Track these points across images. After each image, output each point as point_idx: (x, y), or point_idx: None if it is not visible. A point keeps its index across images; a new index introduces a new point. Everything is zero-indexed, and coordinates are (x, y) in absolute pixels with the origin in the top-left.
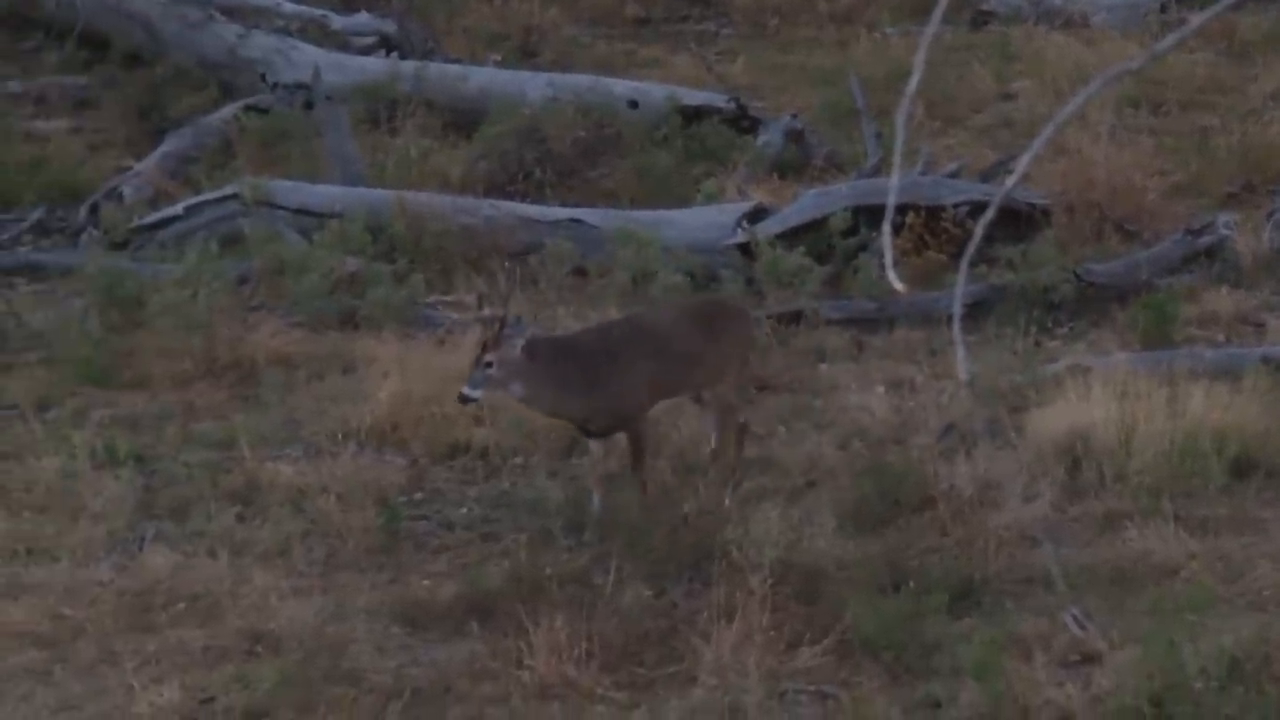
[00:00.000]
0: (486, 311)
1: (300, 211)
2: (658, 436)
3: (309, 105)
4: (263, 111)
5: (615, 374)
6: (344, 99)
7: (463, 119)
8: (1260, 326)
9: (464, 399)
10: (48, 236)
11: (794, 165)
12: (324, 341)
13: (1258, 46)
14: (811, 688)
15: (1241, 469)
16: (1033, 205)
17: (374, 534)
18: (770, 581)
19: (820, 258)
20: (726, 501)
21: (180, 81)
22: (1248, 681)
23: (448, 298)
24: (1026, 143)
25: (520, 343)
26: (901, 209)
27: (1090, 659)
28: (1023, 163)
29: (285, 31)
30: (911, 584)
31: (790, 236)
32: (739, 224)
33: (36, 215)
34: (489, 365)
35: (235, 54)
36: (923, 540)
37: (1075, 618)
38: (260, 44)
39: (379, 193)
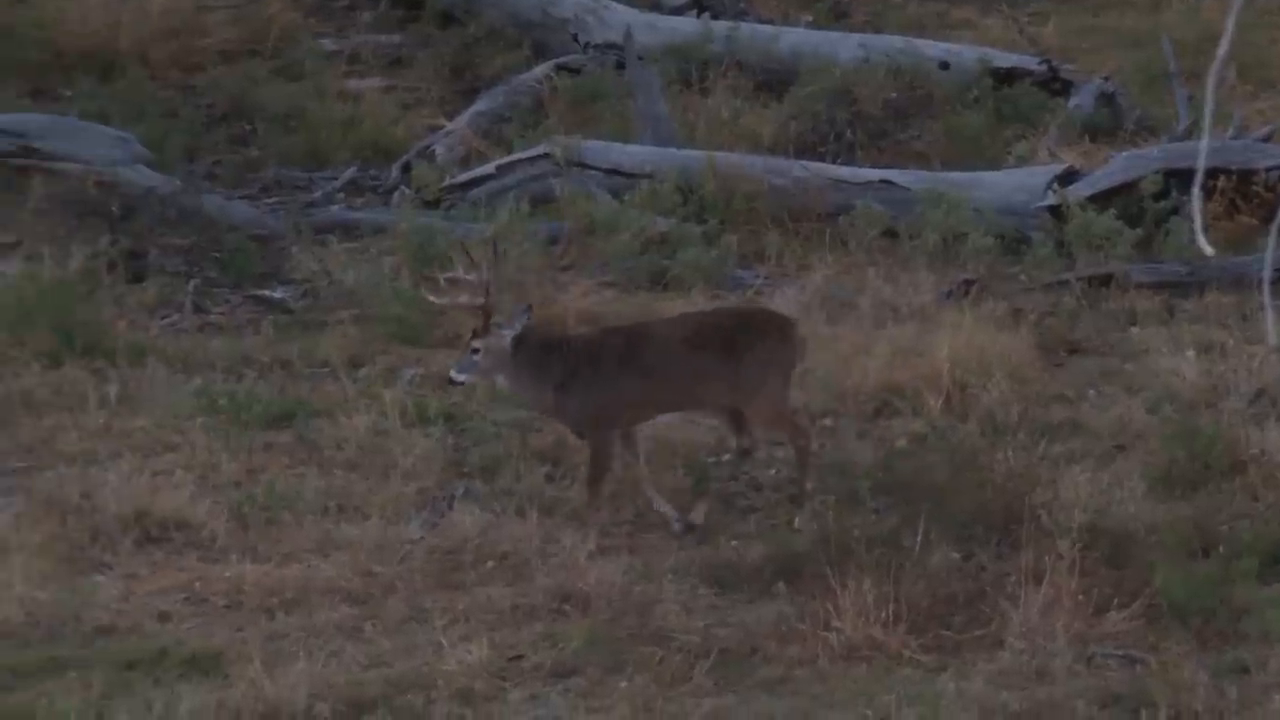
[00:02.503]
0: (464, 298)
1: (611, 171)
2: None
3: (620, 65)
4: (574, 71)
5: (593, 382)
6: (655, 59)
7: (774, 80)
8: None
9: (450, 382)
10: (360, 195)
11: (1105, 128)
12: (633, 302)
13: None
14: (1119, 652)
15: None
16: None
17: (682, 494)
18: (1079, 545)
19: (1131, 221)
20: (795, 522)
21: (493, 41)
22: None
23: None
24: None
25: (509, 334)
26: (1212, 173)
27: None
28: None
29: None
30: (1221, 549)
31: (1101, 199)
32: (1050, 186)
33: (349, 173)
34: (475, 352)
35: (548, 13)
36: (1232, 505)
37: None
38: (572, 4)
39: (690, 153)
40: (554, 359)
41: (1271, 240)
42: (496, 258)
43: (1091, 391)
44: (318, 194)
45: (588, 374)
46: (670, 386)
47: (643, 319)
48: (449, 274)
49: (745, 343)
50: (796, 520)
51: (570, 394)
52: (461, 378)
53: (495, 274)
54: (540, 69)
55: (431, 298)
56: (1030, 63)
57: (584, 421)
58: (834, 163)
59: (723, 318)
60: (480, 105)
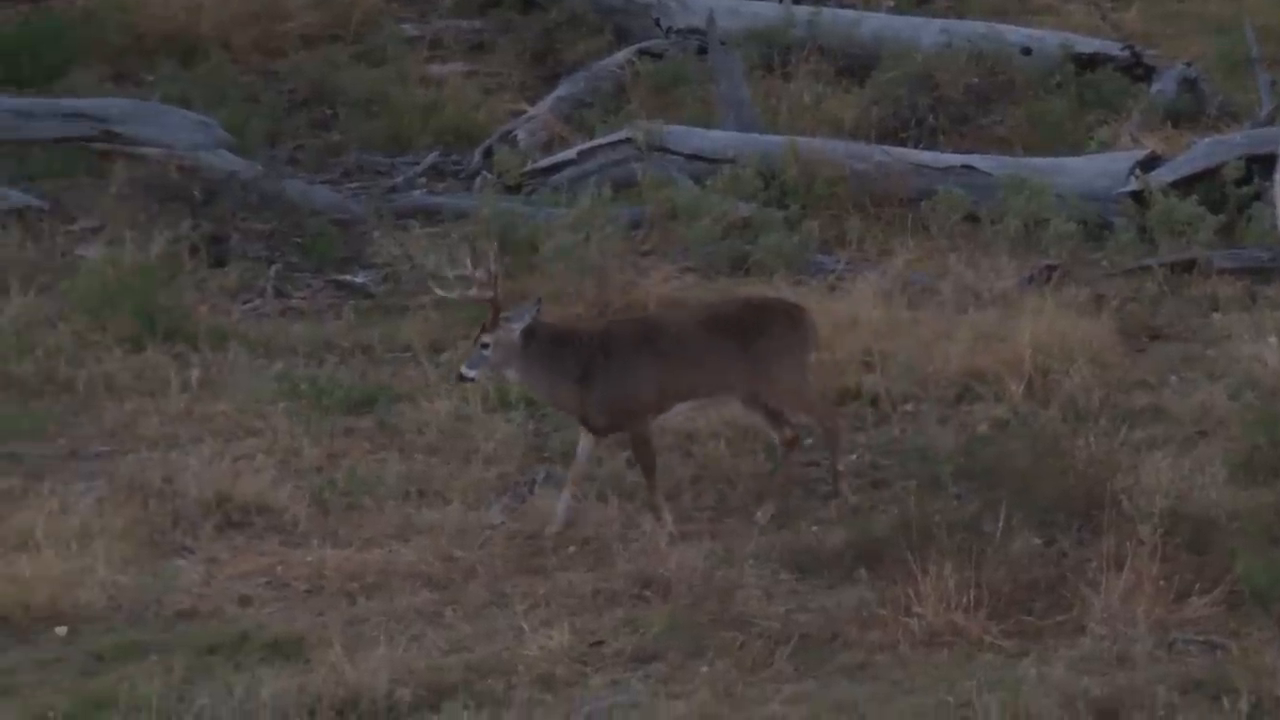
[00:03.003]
0: (473, 291)
1: (693, 157)
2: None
3: (703, 50)
4: (656, 56)
5: (612, 371)
6: (737, 44)
7: (856, 65)
8: None
9: (461, 378)
10: (442, 180)
11: (1187, 113)
12: (715, 287)
13: None
14: (1200, 638)
15: None
16: None
17: (763, 479)
18: (1160, 531)
19: (1213, 207)
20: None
21: (574, 26)
22: None
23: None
24: None
25: (518, 327)
26: None
27: None
28: None
29: None
30: None
31: (1183, 185)
32: (1132, 172)
33: (431, 158)
34: (485, 347)
35: None
36: None
37: None
38: None
39: (772, 138)
40: (566, 352)
41: None
42: (502, 253)
43: (1173, 377)
44: (399, 179)
45: (603, 366)
46: (683, 375)
47: (650, 310)
48: (458, 270)
49: (755, 330)
50: (833, 506)
51: (593, 388)
52: (472, 373)
53: (501, 269)
54: (622, 54)
55: (440, 291)
56: (1113, 48)
57: (614, 414)
58: (916, 148)
59: (731, 306)
60: (562, 90)
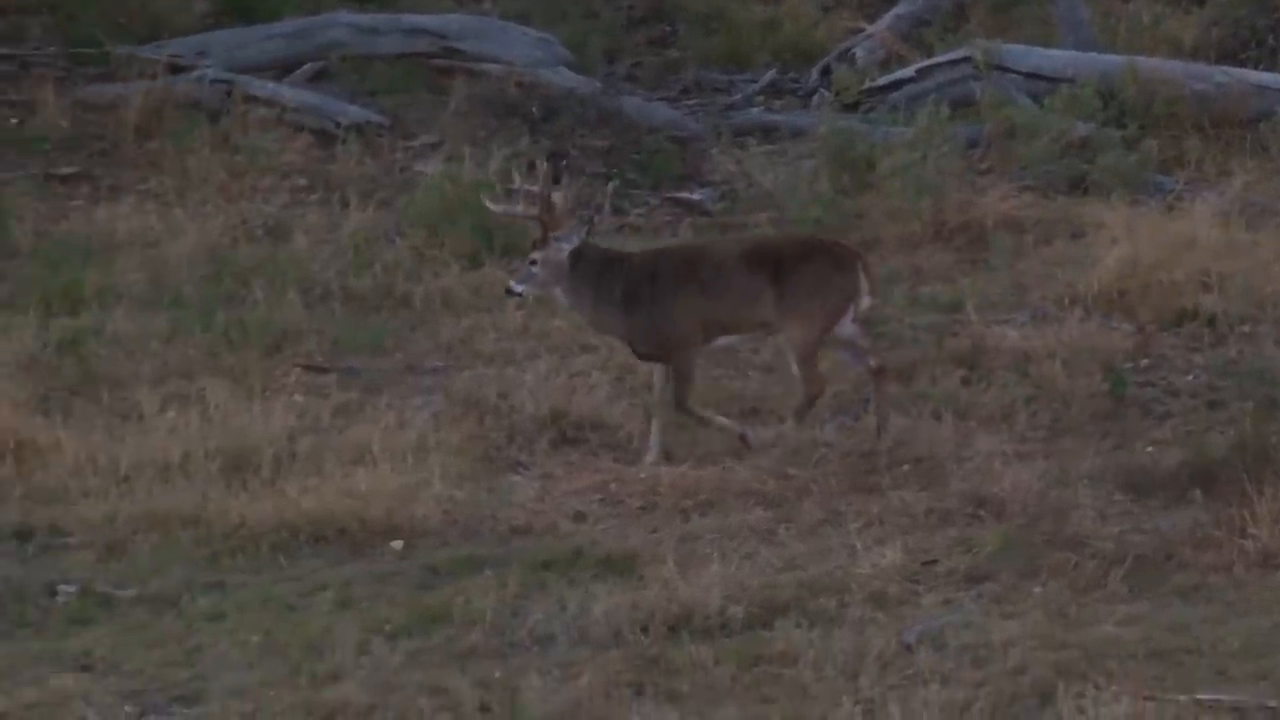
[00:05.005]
0: (520, 209)
1: (1032, 76)
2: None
3: None
4: None
5: (656, 298)
6: None
7: None
8: None
9: (508, 291)
10: (779, 97)
11: None
12: (1052, 206)
13: None
14: None
15: None
16: None
17: (1099, 400)
18: None
19: None
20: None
21: None
22: None
23: None
24: None
25: (567, 248)
26: None
27: None
28: None
29: None
30: None
31: None
32: None
33: (769, 76)
34: (533, 263)
35: None
36: None
37: None
38: None
39: (1110, 58)
40: (611, 276)
41: None
42: (559, 170)
43: None
44: (737, 96)
45: (649, 291)
46: (722, 307)
47: (696, 240)
48: (513, 186)
49: (790, 268)
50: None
51: (634, 314)
52: (520, 288)
53: (557, 187)
54: None
55: (491, 206)
56: None
57: (658, 341)
58: (1255, 69)
59: (779, 242)
60: (901, 8)
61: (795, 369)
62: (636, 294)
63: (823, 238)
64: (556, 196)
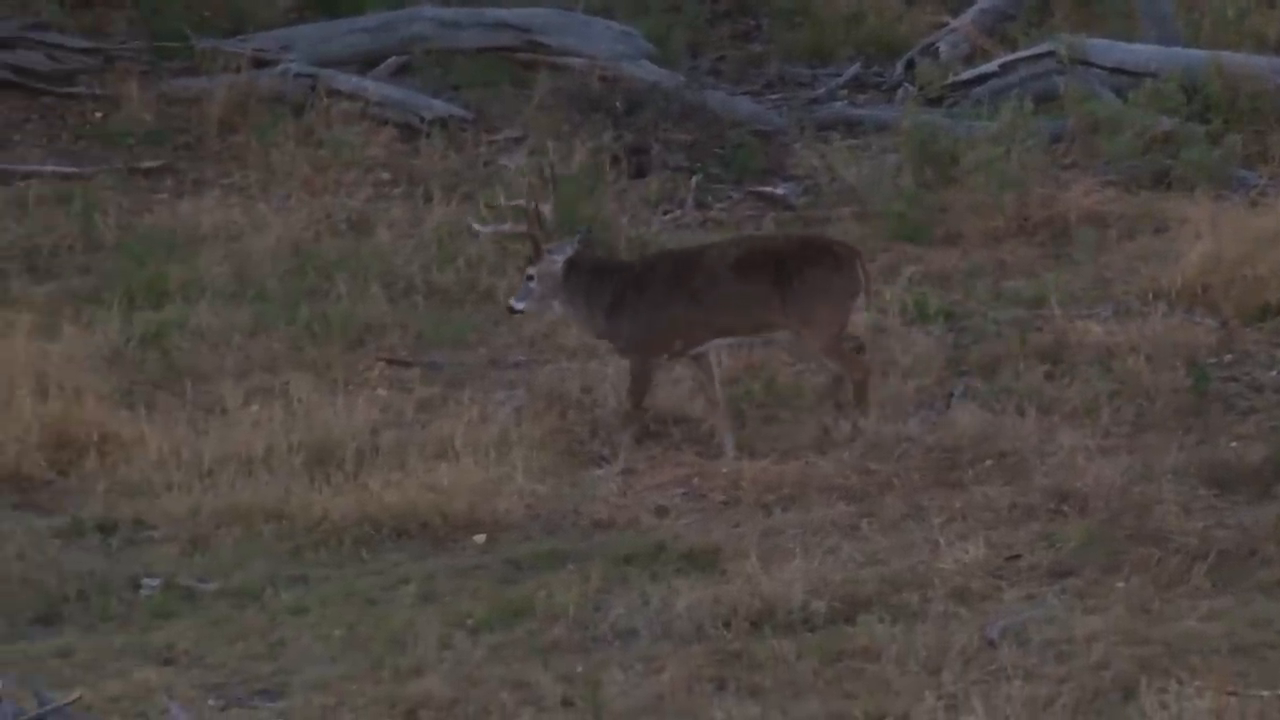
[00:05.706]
0: (507, 226)
1: (1116, 70)
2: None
3: None
4: None
5: (639, 305)
6: None
7: None
8: None
9: (510, 310)
10: (863, 91)
11: None
12: (1136, 201)
13: None
14: None
15: None
16: None
17: (1182, 395)
18: None
19: None
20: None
21: None
22: None
23: None
24: None
25: (560, 259)
26: None
27: None
28: None
29: None
30: None
31: None
32: None
33: (853, 70)
34: (530, 279)
35: None
36: None
37: None
38: None
39: (1194, 52)
40: (605, 283)
41: None
42: (547, 184)
43: None
44: (821, 90)
45: (634, 298)
46: (714, 313)
47: (689, 246)
48: (508, 202)
49: (795, 269)
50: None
51: (618, 317)
52: (520, 305)
53: (546, 200)
54: None
55: (477, 227)
56: None
57: (629, 344)
58: None
59: (776, 244)
60: (984, 3)
61: (830, 365)
62: (622, 298)
63: (820, 236)
64: (545, 209)
